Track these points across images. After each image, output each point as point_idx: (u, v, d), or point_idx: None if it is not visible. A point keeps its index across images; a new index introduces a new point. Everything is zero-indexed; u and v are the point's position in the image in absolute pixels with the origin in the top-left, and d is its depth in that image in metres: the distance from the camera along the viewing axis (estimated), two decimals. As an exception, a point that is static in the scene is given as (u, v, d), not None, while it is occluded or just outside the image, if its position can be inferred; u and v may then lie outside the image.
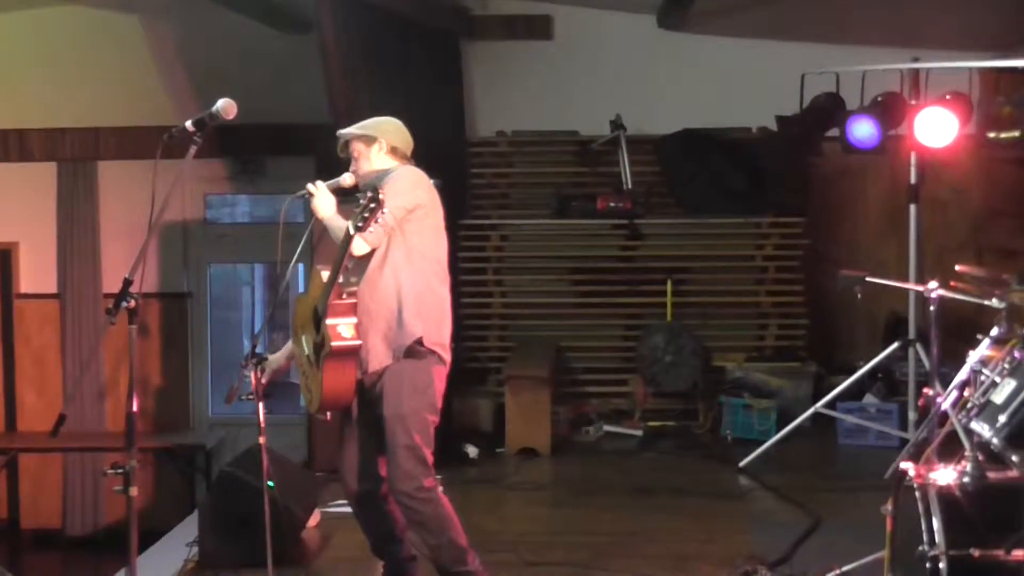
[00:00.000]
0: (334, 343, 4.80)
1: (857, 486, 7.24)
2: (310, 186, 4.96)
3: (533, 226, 9.54)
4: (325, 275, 4.88)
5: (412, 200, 4.93)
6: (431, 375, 4.98)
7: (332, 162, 7.93)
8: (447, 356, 5.07)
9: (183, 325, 10.60)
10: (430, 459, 4.97)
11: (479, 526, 5.36)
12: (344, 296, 4.86)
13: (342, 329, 4.82)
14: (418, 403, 4.93)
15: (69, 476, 10.39)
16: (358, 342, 4.86)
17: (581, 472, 7.97)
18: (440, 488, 5.01)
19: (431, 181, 5.10)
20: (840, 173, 9.63)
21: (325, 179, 5.09)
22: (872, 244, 9.72)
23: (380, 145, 5.10)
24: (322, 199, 4.95)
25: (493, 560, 5.24)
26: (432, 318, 5.00)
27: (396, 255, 4.94)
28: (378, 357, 4.96)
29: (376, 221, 4.60)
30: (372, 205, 4.53)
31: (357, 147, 5.14)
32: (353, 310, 4.88)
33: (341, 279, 4.82)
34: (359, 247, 4.82)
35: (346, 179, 5.10)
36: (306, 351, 5.01)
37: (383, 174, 5.04)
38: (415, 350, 4.93)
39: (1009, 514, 4.12)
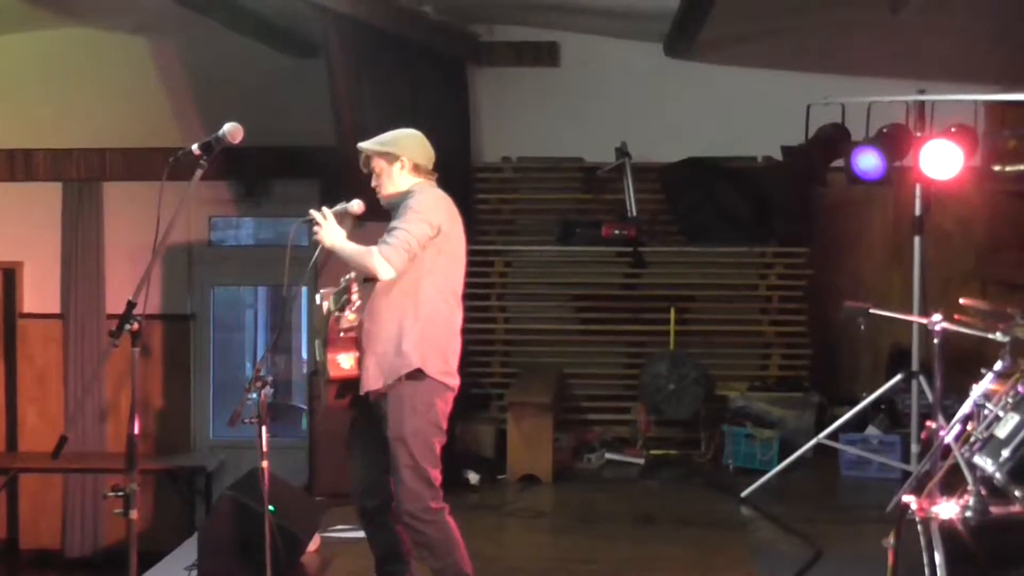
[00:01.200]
0: (332, 374, 4.94)
1: (859, 518, 7.22)
2: (316, 214, 4.90)
3: (537, 252, 9.55)
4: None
5: (435, 225, 4.91)
6: (432, 396, 4.96)
7: (338, 185, 7.97)
8: (453, 382, 5.05)
9: (186, 347, 10.59)
10: (438, 480, 4.97)
11: (480, 552, 5.33)
12: (343, 332, 4.94)
13: (341, 360, 4.95)
14: (419, 424, 4.92)
15: (69, 497, 10.36)
16: (355, 374, 4.94)
17: (582, 499, 7.95)
18: (447, 511, 5.00)
19: (442, 193, 5.09)
20: (845, 204, 9.63)
21: (331, 204, 5.08)
22: (876, 275, 9.72)
23: (403, 163, 5.06)
24: (329, 229, 4.89)
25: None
26: (436, 346, 4.98)
27: (406, 281, 4.92)
28: (368, 381, 4.96)
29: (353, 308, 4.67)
30: (349, 294, 4.75)
31: (379, 164, 5.09)
32: (353, 344, 4.96)
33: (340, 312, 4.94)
34: (385, 273, 4.83)
35: (355, 206, 5.08)
36: (317, 356, 5.12)
37: (406, 195, 5.02)
38: (415, 375, 4.93)
39: (1012, 549, 4.11)
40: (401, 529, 5.09)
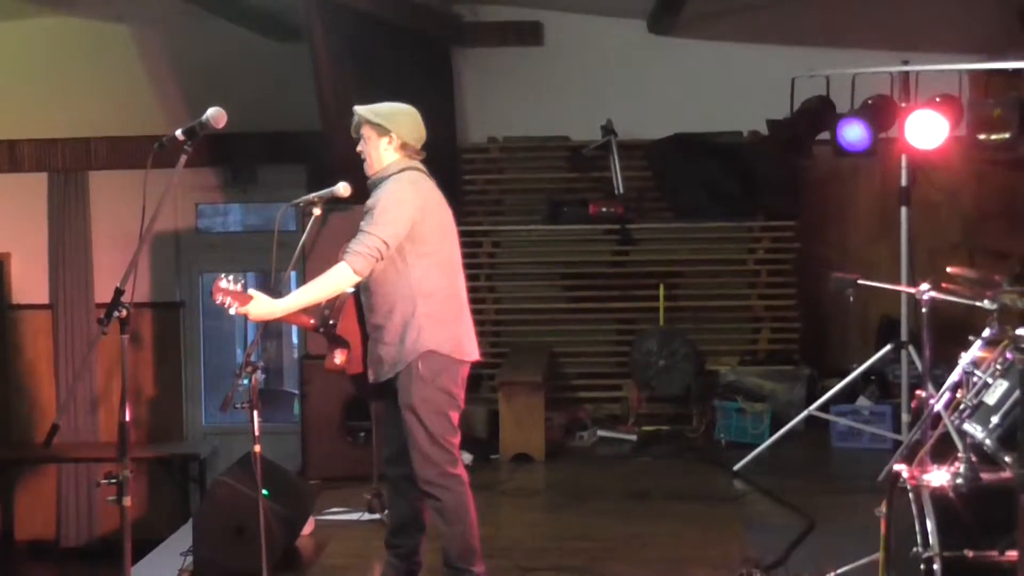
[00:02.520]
0: (326, 366, 5.38)
1: (851, 488, 7.25)
2: (224, 299, 4.81)
3: (525, 232, 9.55)
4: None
5: (405, 221, 4.95)
6: (441, 365, 5.02)
7: (324, 169, 7.96)
8: (464, 355, 5.14)
9: (176, 334, 10.59)
10: (455, 446, 5.06)
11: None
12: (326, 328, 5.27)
13: (336, 356, 5.34)
14: (428, 393, 4.99)
15: (63, 487, 10.37)
16: (345, 367, 5.33)
17: (575, 477, 7.96)
18: (466, 480, 5.08)
19: (411, 177, 5.08)
20: (831, 176, 9.65)
21: (317, 188, 5.10)
22: (864, 247, 9.74)
23: (391, 139, 5.08)
24: (257, 307, 4.83)
25: (489, 566, 5.24)
26: (441, 323, 5.05)
27: (394, 270, 4.97)
28: (381, 371, 5.10)
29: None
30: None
31: (369, 132, 5.10)
32: (345, 341, 5.28)
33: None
34: (353, 282, 4.92)
35: (340, 189, 5.09)
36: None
37: (382, 181, 5.04)
38: (424, 355, 5.02)
39: (1002, 515, 4.13)
40: (423, 503, 5.16)
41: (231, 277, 4.85)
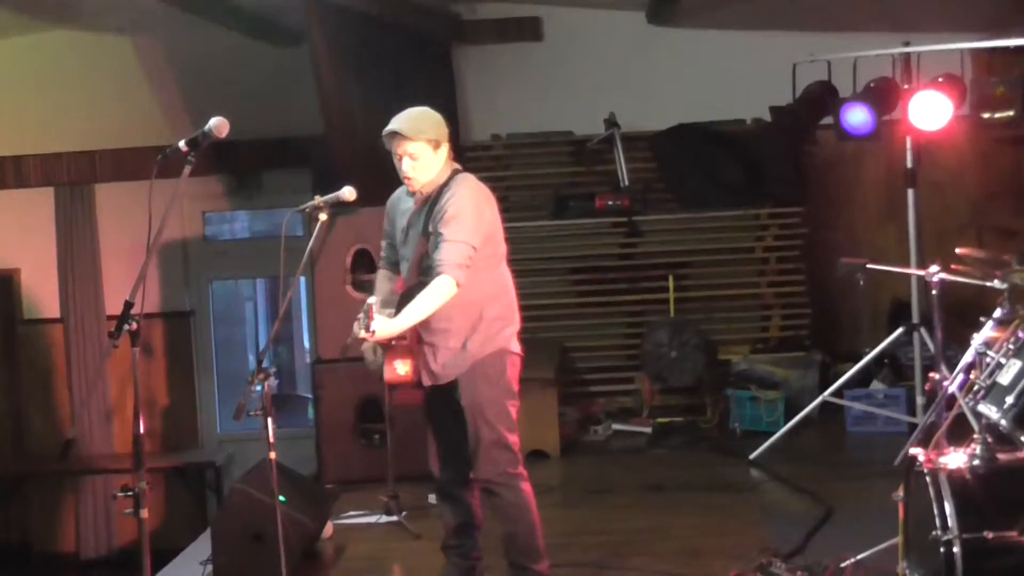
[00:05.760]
0: (388, 377, 5.12)
1: (868, 473, 7.25)
2: (360, 332, 4.73)
3: (532, 228, 9.52)
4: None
5: (486, 225, 4.98)
6: (504, 364, 5.05)
7: (329, 173, 7.97)
8: (519, 349, 5.15)
9: (187, 343, 10.60)
10: (516, 445, 5.07)
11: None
12: (394, 341, 4.99)
13: (398, 366, 5.08)
14: (493, 392, 5.01)
15: (81, 499, 10.39)
16: (410, 379, 5.09)
17: (591, 472, 7.97)
18: (527, 479, 5.10)
19: (476, 180, 5.11)
20: (836, 161, 9.63)
21: (322, 192, 5.08)
22: (872, 230, 9.73)
23: (440, 147, 5.03)
24: (381, 328, 4.75)
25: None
26: (504, 327, 5.07)
27: (467, 283, 4.91)
28: (436, 376, 5.07)
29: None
30: (369, 318, 4.68)
31: (419, 149, 5.01)
32: (408, 352, 5.05)
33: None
34: (454, 291, 4.84)
35: (346, 194, 5.07)
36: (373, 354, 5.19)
37: (443, 188, 5.01)
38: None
39: (1021, 495, 4.13)
40: (473, 500, 5.18)
41: (361, 315, 4.75)
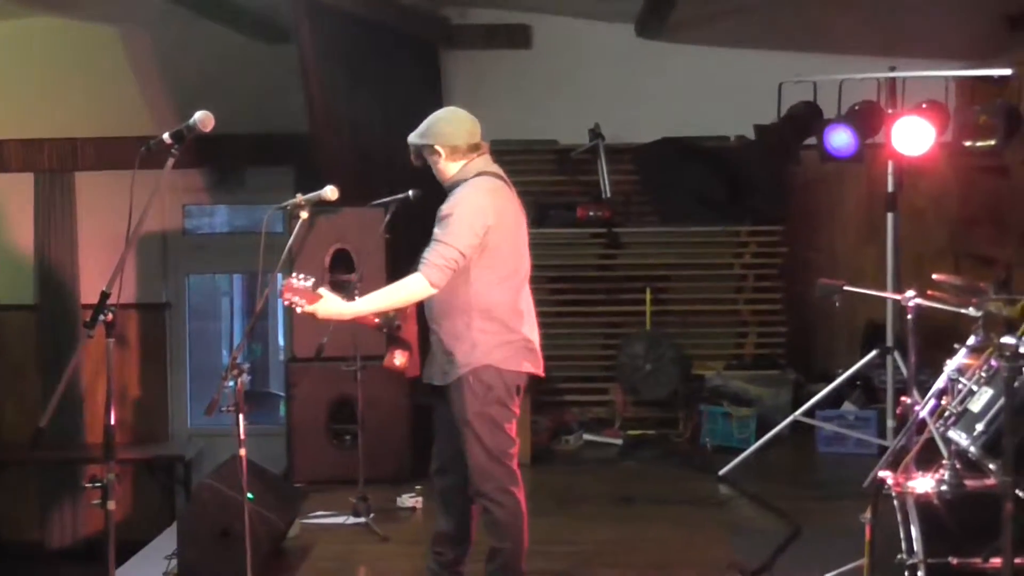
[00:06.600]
0: (385, 364, 5.25)
1: (837, 494, 7.27)
2: (293, 299, 4.79)
3: (512, 235, 9.52)
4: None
5: (481, 230, 4.84)
6: (493, 378, 4.92)
7: (311, 171, 7.95)
8: (518, 366, 5.00)
9: (162, 336, 10.57)
10: (512, 460, 4.99)
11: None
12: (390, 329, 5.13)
13: (396, 356, 5.21)
14: (481, 407, 4.91)
15: (48, 489, 10.33)
16: (404, 369, 5.20)
17: (561, 481, 7.96)
18: (521, 494, 5.02)
19: (489, 185, 4.99)
20: (818, 181, 9.67)
21: (304, 190, 5.08)
22: (850, 252, 9.77)
23: (439, 153, 4.99)
24: (325, 306, 4.80)
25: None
26: (495, 341, 4.93)
27: (457, 282, 4.87)
28: (428, 375, 5.06)
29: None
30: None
31: (427, 155, 5.02)
32: (407, 344, 5.16)
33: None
34: (428, 292, 4.81)
35: (328, 193, 5.07)
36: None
37: (454, 186, 4.98)
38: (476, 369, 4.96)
39: (987, 522, 4.13)
40: (472, 517, 5.13)
41: (302, 276, 4.82)
